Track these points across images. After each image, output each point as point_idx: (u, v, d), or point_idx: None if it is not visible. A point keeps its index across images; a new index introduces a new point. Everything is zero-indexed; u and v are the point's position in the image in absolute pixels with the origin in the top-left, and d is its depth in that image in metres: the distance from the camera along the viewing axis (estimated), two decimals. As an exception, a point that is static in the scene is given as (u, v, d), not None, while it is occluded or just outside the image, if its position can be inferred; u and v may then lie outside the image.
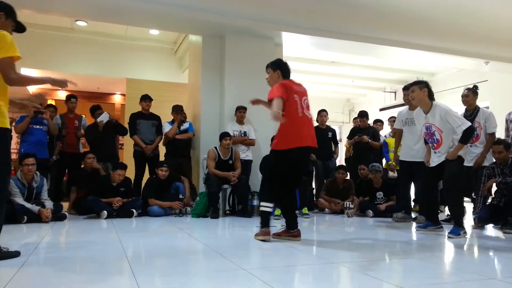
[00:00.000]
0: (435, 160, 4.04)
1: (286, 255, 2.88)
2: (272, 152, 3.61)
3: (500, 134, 4.94)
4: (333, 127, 7.11)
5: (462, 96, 4.86)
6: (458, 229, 3.78)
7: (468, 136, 3.80)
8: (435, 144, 4.00)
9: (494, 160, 4.50)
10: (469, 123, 3.81)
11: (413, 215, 5.26)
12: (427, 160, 4.19)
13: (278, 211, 5.28)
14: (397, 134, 5.32)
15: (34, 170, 4.69)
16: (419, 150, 4.80)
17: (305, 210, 5.56)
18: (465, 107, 4.86)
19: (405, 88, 5.03)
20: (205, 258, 2.88)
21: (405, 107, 5.16)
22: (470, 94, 4.79)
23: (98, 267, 2.48)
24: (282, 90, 3.40)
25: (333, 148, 6.85)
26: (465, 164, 4.66)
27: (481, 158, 4.65)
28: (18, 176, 4.67)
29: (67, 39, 8.27)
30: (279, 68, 3.65)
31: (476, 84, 5.03)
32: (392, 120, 6.90)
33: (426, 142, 4.26)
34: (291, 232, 3.49)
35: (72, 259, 2.72)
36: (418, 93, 3.96)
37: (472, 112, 4.76)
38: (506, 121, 5.05)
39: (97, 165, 5.75)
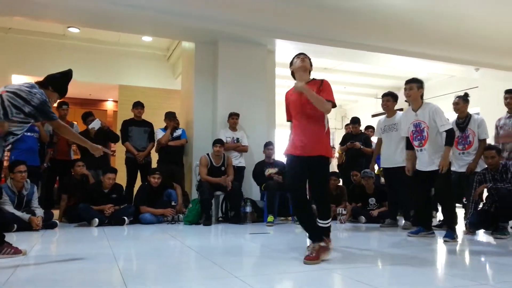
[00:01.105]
0: (423, 161, 4.08)
1: (279, 262, 2.87)
2: (326, 160, 3.08)
3: (490, 140, 4.98)
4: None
5: (453, 104, 4.90)
6: (452, 233, 3.85)
7: (451, 137, 3.96)
8: (422, 141, 4.06)
9: (486, 166, 4.54)
10: (451, 126, 4.00)
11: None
12: (408, 169, 4.25)
13: (271, 218, 5.28)
14: (377, 142, 5.37)
15: (26, 177, 4.65)
16: (399, 156, 4.85)
17: (298, 216, 5.55)
18: (457, 114, 4.91)
19: (385, 95, 5.10)
20: (197, 265, 2.86)
21: (384, 116, 5.19)
22: (461, 101, 4.82)
23: (89, 276, 2.45)
24: None
25: None
26: (457, 170, 4.72)
27: (474, 164, 4.67)
28: (8, 183, 4.62)
29: (59, 46, 8.24)
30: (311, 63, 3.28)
31: (467, 91, 5.07)
32: None
33: (408, 147, 4.29)
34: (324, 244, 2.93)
35: (63, 268, 2.69)
36: (415, 92, 4.11)
37: (464, 120, 4.79)
38: (496, 127, 5.09)
39: (86, 171, 5.72)
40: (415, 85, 4.11)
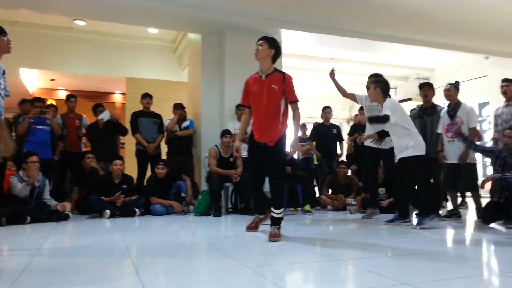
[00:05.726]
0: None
1: (290, 253, 2.88)
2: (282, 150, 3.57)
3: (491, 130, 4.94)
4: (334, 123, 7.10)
5: (445, 91, 4.92)
6: (422, 218, 4.03)
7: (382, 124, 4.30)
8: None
9: (496, 146, 4.60)
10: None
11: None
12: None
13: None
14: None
15: (39, 167, 4.70)
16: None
17: (307, 207, 5.57)
18: (448, 101, 4.89)
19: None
20: (208, 256, 2.88)
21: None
22: (452, 89, 4.84)
23: (102, 267, 2.48)
24: None
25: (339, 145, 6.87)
26: (448, 161, 4.70)
27: (465, 154, 4.58)
28: (21, 174, 4.68)
29: (66, 39, 8.27)
30: (276, 48, 3.46)
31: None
32: None
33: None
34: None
35: (76, 259, 2.73)
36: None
37: (453, 106, 4.78)
38: (495, 116, 5.05)
39: (96, 164, 5.75)
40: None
